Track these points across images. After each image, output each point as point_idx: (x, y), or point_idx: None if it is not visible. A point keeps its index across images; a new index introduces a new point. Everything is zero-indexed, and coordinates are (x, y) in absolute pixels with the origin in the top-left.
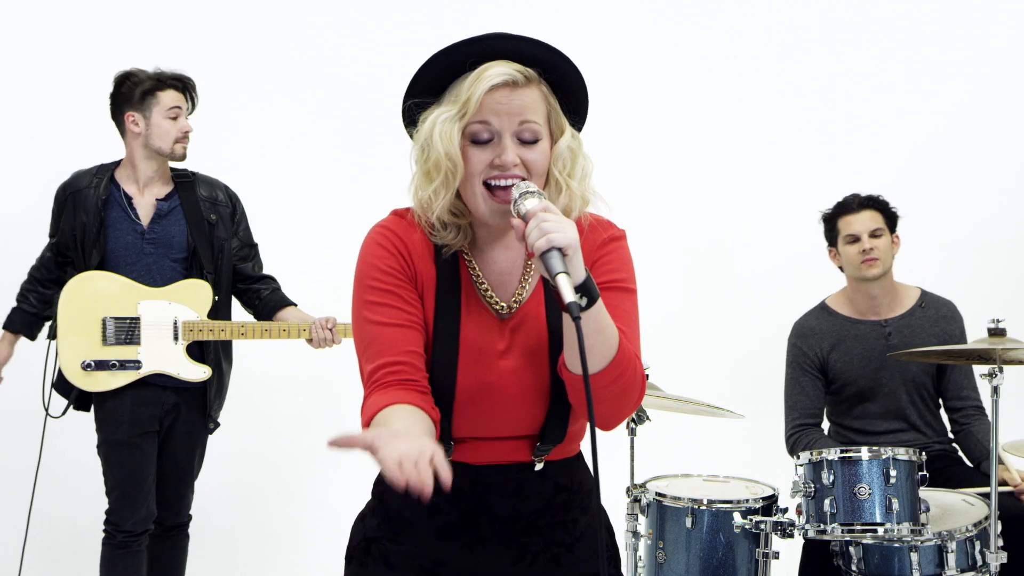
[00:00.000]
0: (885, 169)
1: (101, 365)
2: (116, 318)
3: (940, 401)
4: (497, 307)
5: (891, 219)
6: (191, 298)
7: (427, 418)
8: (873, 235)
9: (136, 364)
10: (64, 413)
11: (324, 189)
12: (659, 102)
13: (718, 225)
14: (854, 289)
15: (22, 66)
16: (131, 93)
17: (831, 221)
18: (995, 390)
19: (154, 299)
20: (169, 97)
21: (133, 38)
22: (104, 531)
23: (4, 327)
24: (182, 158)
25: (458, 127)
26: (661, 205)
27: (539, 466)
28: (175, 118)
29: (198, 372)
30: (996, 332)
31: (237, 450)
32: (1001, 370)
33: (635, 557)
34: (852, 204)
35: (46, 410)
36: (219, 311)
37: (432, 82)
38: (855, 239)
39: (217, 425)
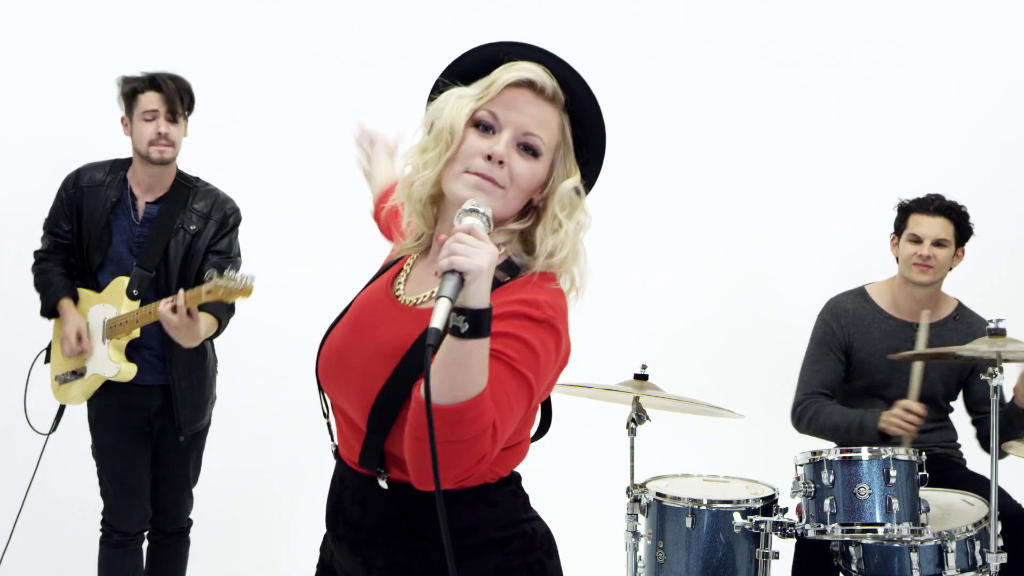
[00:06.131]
0: (885, 168)
1: (63, 378)
2: None
3: (954, 406)
4: (396, 293)
5: (963, 233)
6: (113, 296)
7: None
8: (937, 243)
9: (84, 371)
10: (53, 429)
11: (324, 192)
12: (657, 102)
13: (717, 225)
14: (899, 285)
15: (24, 68)
16: (119, 96)
17: (904, 213)
18: (995, 390)
19: (97, 303)
20: (148, 99)
21: (135, 41)
22: (101, 531)
23: (54, 305)
24: (161, 164)
25: (470, 107)
26: (659, 205)
27: (383, 483)
28: (151, 120)
29: (112, 369)
30: (996, 332)
31: (234, 452)
32: (1001, 370)
33: (635, 557)
34: (929, 206)
35: (34, 428)
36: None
37: (466, 69)
38: (918, 240)
39: (187, 437)
